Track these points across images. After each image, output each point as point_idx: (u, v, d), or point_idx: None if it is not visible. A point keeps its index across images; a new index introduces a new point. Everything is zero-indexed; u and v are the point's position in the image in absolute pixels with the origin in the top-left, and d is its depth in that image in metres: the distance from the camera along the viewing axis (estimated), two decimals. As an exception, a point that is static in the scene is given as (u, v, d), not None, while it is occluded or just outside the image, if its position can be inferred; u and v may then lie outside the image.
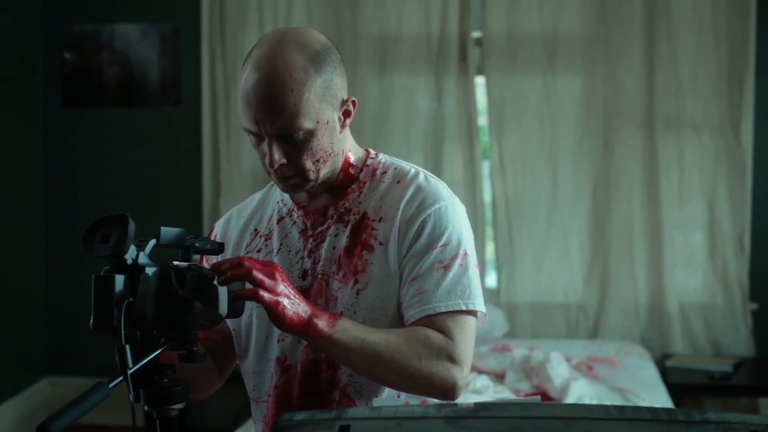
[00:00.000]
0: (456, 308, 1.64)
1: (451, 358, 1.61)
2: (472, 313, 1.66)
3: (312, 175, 1.67)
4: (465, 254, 1.68)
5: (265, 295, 1.49)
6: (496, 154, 4.71)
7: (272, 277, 1.52)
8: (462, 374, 1.62)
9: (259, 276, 1.50)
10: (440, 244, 1.66)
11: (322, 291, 1.70)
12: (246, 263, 1.50)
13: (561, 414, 1.08)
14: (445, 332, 1.62)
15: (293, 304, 1.52)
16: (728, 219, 4.58)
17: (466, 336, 1.64)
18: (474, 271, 1.69)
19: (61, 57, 4.92)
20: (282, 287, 1.52)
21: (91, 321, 1.43)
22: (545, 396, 3.79)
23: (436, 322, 1.63)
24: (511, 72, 4.67)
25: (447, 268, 1.65)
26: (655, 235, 4.61)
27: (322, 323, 1.54)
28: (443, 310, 1.63)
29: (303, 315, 1.53)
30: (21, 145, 4.85)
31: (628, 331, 4.66)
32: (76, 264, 4.87)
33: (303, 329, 1.54)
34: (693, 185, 4.61)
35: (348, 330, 1.57)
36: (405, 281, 1.66)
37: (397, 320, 1.67)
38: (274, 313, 1.50)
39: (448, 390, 1.61)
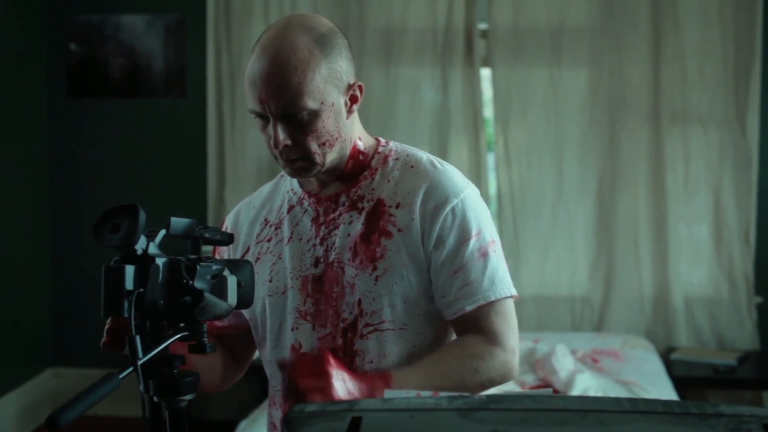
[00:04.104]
0: (502, 296, 1.69)
1: (503, 350, 1.67)
2: (512, 296, 1.72)
3: (318, 159, 1.67)
4: (493, 240, 1.72)
5: (317, 398, 1.51)
6: (502, 147, 4.70)
7: (323, 375, 1.52)
8: (515, 357, 1.69)
9: (309, 387, 1.50)
10: (474, 233, 1.69)
11: (338, 278, 1.70)
12: (295, 377, 1.51)
13: (573, 406, 1.08)
14: (490, 327, 1.68)
15: (350, 392, 1.54)
16: (734, 212, 4.57)
17: (510, 322, 1.71)
18: (502, 254, 1.74)
19: (66, 47, 4.91)
20: (336, 383, 1.52)
21: (102, 312, 1.43)
22: (552, 389, 3.79)
23: (484, 315, 1.68)
24: (517, 64, 4.66)
25: (485, 255, 1.69)
26: (660, 228, 4.60)
27: (380, 393, 1.57)
28: (492, 299, 1.68)
29: (361, 394, 1.55)
30: (26, 135, 4.84)
31: (633, 324, 4.66)
32: (81, 254, 4.88)
33: None
34: (699, 178, 4.60)
35: (403, 385, 1.59)
36: (448, 276, 1.68)
37: (416, 306, 1.69)
38: None
39: (507, 377, 1.68)
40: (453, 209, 1.68)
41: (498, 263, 1.70)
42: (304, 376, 1.52)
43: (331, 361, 1.54)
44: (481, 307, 1.67)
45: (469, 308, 1.67)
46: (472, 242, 1.68)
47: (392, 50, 4.69)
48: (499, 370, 1.66)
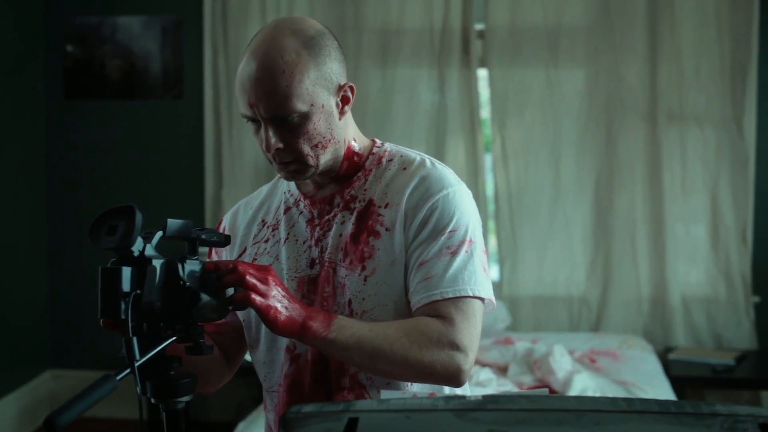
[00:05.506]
0: (462, 294, 1.63)
1: (453, 345, 1.60)
2: (478, 298, 1.66)
3: (311, 161, 1.67)
4: (471, 241, 1.68)
5: (257, 299, 1.50)
6: (499, 147, 4.70)
7: (265, 282, 1.52)
8: (466, 359, 1.61)
9: (252, 281, 1.50)
10: (448, 230, 1.66)
11: (330, 279, 1.70)
12: (240, 268, 1.50)
13: (569, 406, 1.08)
14: (448, 319, 1.61)
15: (286, 308, 1.53)
16: (731, 212, 4.58)
17: (470, 321, 1.63)
18: (480, 257, 1.69)
19: (63, 49, 4.92)
20: (275, 291, 1.52)
21: (99, 313, 1.43)
22: (549, 389, 3.79)
23: (441, 308, 1.62)
24: (514, 64, 4.66)
25: (454, 254, 1.65)
26: (657, 227, 4.61)
27: (316, 325, 1.55)
28: (450, 296, 1.62)
29: (297, 318, 1.54)
30: (23, 137, 4.84)
31: (631, 324, 4.67)
32: (79, 256, 4.88)
33: (297, 332, 1.54)
34: (696, 178, 4.61)
35: (344, 328, 1.57)
36: (412, 267, 1.66)
37: (405, 306, 1.67)
38: (266, 318, 1.51)
39: (452, 376, 1.61)
40: (434, 204, 1.67)
41: (467, 263, 1.65)
42: (249, 269, 1.51)
43: (276, 277, 1.54)
44: (437, 303, 1.62)
45: (424, 302, 1.63)
46: (443, 238, 1.65)
47: (389, 51, 4.69)
48: (443, 358, 1.59)
